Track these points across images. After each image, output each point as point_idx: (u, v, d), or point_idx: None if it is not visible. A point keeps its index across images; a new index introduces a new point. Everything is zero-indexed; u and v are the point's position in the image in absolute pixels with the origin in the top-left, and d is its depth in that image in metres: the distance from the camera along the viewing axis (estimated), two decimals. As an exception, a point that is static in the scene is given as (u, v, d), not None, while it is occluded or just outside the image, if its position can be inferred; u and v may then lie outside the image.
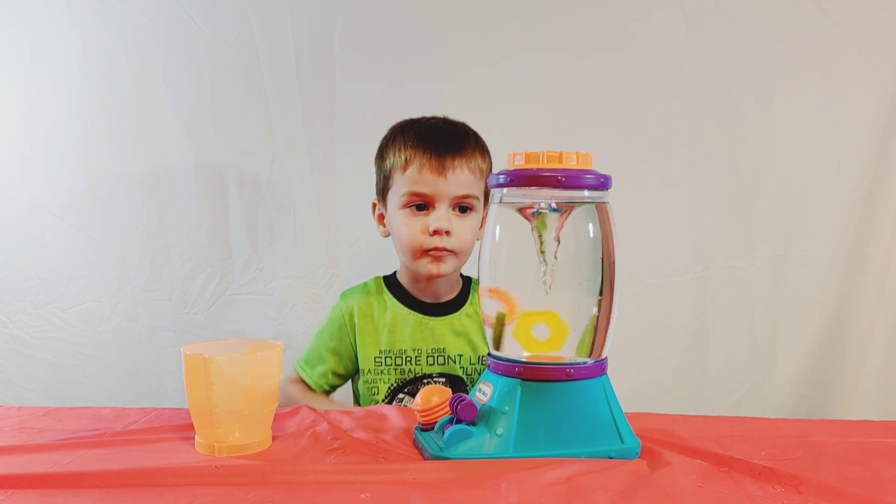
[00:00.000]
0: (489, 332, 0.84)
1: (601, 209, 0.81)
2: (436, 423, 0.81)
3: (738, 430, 0.90)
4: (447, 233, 1.14)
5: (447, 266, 1.16)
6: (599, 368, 0.81)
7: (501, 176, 0.81)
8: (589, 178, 0.79)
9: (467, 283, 1.27)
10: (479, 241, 1.10)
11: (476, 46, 1.51)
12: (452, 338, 1.21)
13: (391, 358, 1.20)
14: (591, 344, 0.82)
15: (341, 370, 1.23)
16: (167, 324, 1.54)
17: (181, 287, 1.53)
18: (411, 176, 1.15)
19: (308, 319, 1.53)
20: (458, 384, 1.20)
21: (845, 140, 1.50)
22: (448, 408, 0.81)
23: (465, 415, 0.78)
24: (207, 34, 1.50)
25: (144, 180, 1.53)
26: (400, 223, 1.17)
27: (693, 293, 1.54)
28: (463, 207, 1.17)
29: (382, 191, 1.22)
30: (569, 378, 0.78)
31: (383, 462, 0.77)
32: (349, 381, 1.28)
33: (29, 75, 1.51)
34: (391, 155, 1.19)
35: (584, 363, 0.80)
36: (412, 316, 1.22)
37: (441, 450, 0.77)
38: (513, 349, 0.83)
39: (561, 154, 0.79)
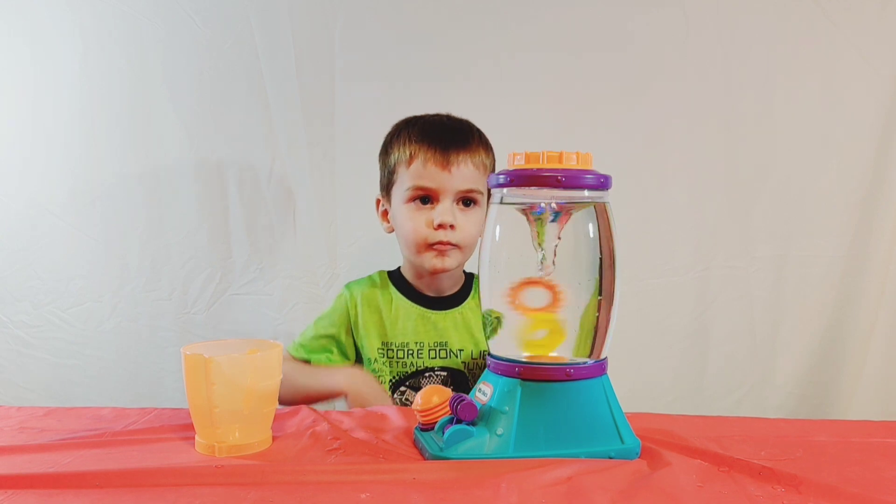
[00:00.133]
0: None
1: (601, 209, 0.81)
2: (436, 423, 0.81)
3: (738, 430, 0.90)
4: (451, 227, 1.15)
5: (451, 260, 1.17)
6: (599, 368, 0.81)
7: (501, 176, 0.81)
8: (589, 178, 0.79)
9: (470, 278, 1.27)
10: (480, 239, 1.10)
11: (476, 46, 1.51)
12: (454, 332, 1.21)
13: (393, 350, 1.21)
14: (591, 344, 0.82)
15: (336, 358, 1.23)
16: (167, 324, 1.54)
17: (181, 287, 1.53)
18: (416, 170, 1.16)
19: (308, 319, 1.52)
20: (459, 378, 1.20)
21: (845, 140, 1.50)
22: (448, 408, 0.81)
23: (465, 415, 0.78)
24: (207, 34, 1.50)
25: (144, 180, 1.53)
26: (404, 217, 1.18)
27: (693, 293, 1.54)
28: (467, 201, 1.17)
29: (387, 186, 1.22)
30: (569, 378, 0.78)
31: (383, 462, 0.77)
32: None
33: (29, 75, 1.51)
34: (395, 150, 1.19)
35: (584, 363, 0.80)
36: (415, 309, 1.22)
37: (441, 450, 0.77)
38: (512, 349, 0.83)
39: (561, 154, 0.79)
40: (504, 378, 0.80)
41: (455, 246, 1.16)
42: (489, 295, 0.85)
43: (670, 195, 1.53)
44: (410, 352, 1.20)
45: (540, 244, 0.82)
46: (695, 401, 1.54)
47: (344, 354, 1.24)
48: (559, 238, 0.82)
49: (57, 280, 1.53)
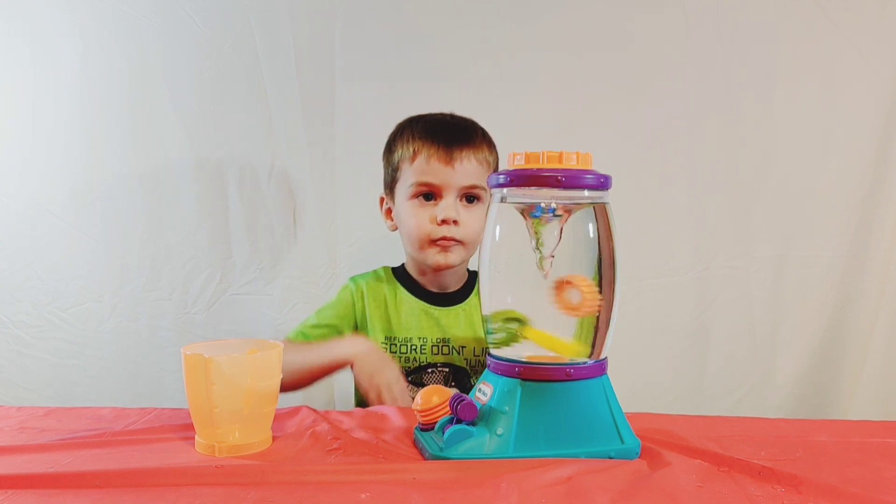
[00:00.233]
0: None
1: (601, 209, 0.81)
2: (436, 423, 0.81)
3: (738, 430, 0.90)
4: (455, 222, 1.15)
5: (455, 256, 1.17)
6: (599, 368, 0.81)
7: (501, 176, 0.81)
8: (589, 178, 0.79)
9: (473, 275, 1.27)
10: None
11: (476, 46, 1.51)
12: (457, 328, 1.21)
13: (396, 345, 1.21)
14: (591, 344, 0.82)
15: None
16: (167, 324, 1.54)
17: (181, 287, 1.53)
18: (419, 166, 1.16)
19: (308, 319, 1.53)
20: (461, 374, 1.20)
21: (845, 140, 1.50)
22: (448, 408, 0.81)
23: (465, 415, 0.78)
24: (207, 34, 1.50)
25: (144, 180, 1.53)
26: (408, 214, 1.18)
27: (693, 293, 1.54)
28: (470, 198, 1.17)
29: (390, 184, 1.23)
30: (569, 378, 0.78)
31: (383, 462, 0.77)
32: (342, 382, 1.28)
33: (29, 75, 1.51)
34: (399, 147, 1.20)
35: (584, 363, 0.80)
36: (418, 305, 1.23)
37: (441, 450, 0.76)
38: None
39: (561, 154, 0.79)
40: (504, 378, 0.80)
41: (458, 242, 1.16)
42: (489, 295, 0.85)
43: (670, 195, 1.53)
44: (413, 347, 1.21)
45: (538, 245, 0.82)
46: (695, 401, 1.54)
47: None
48: (559, 238, 0.81)
49: (57, 280, 1.53)
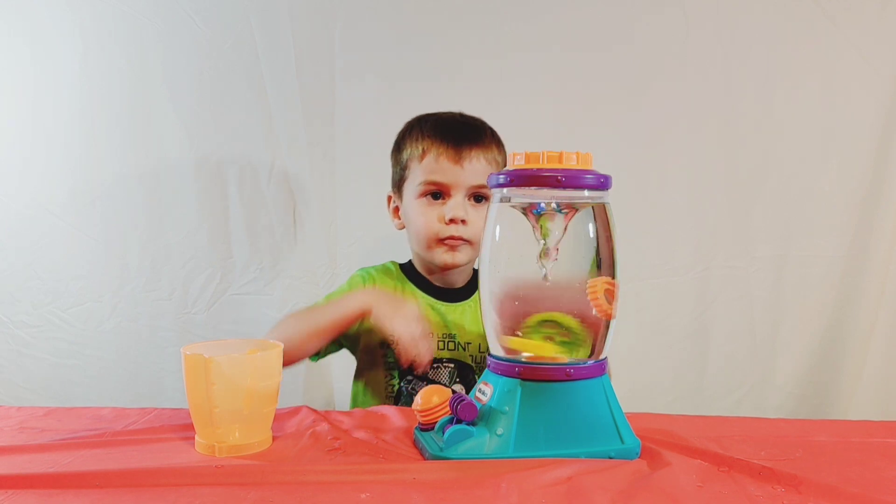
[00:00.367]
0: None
1: (601, 209, 0.81)
2: (436, 423, 0.81)
3: (738, 430, 0.90)
4: (463, 222, 1.14)
5: (462, 256, 1.17)
6: (599, 368, 0.81)
7: (501, 176, 0.81)
8: (589, 178, 0.79)
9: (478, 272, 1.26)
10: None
11: (476, 46, 1.51)
12: (463, 324, 1.21)
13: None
14: (591, 344, 0.82)
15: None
16: (167, 324, 1.54)
17: (181, 287, 1.53)
18: (428, 165, 1.16)
19: (308, 319, 1.53)
20: (466, 371, 1.20)
21: (845, 140, 1.50)
22: (448, 408, 0.81)
23: (465, 415, 0.78)
24: (207, 34, 1.50)
25: (144, 180, 1.53)
26: (416, 213, 1.17)
27: (693, 293, 1.54)
28: (478, 197, 1.17)
29: (398, 182, 1.22)
30: (569, 378, 0.78)
31: (383, 462, 0.77)
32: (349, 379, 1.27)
33: (29, 75, 1.51)
34: (408, 146, 1.19)
35: (584, 363, 0.80)
36: (425, 300, 1.22)
37: (441, 450, 0.77)
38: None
39: (561, 154, 0.79)
40: (504, 378, 0.80)
41: (466, 241, 1.16)
42: (489, 294, 0.85)
43: (670, 195, 1.53)
44: None
45: (544, 238, 0.81)
46: (695, 401, 1.54)
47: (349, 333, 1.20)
48: (563, 233, 0.81)
49: (57, 280, 1.53)
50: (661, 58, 1.51)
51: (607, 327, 0.82)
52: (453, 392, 0.83)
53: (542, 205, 0.81)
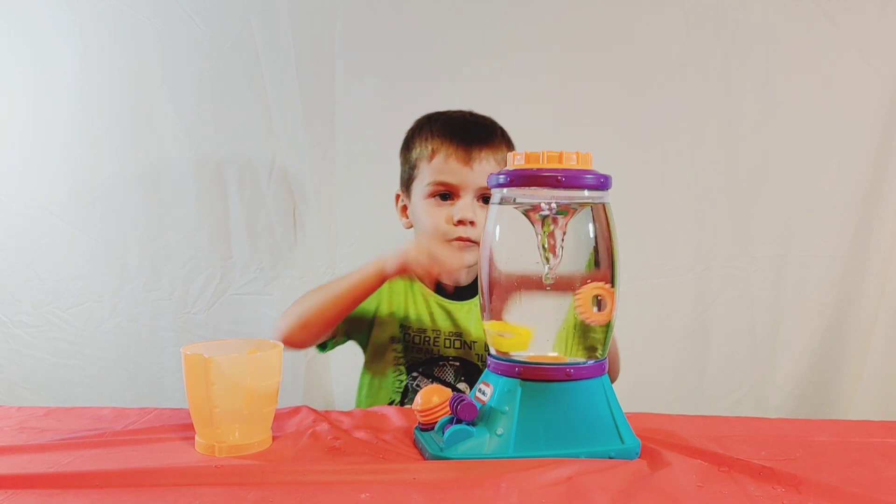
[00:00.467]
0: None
1: (601, 209, 0.81)
2: (436, 423, 0.81)
3: (738, 430, 0.90)
4: (471, 223, 1.14)
5: (470, 256, 1.16)
6: (599, 368, 0.81)
7: (501, 176, 0.81)
8: (589, 178, 0.79)
9: None
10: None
11: (476, 46, 1.51)
12: (470, 323, 1.20)
13: (410, 335, 1.20)
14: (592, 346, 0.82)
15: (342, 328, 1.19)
16: (167, 324, 1.54)
17: (181, 287, 1.53)
18: (437, 165, 1.15)
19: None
20: (472, 370, 1.19)
21: (845, 140, 1.50)
22: (448, 408, 0.81)
23: (465, 415, 0.78)
24: (207, 34, 1.50)
25: (144, 180, 1.53)
26: (424, 213, 1.17)
27: (693, 293, 1.54)
28: (487, 198, 1.16)
29: (407, 182, 1.21)
30: (569, 378, 0.78)
31: (383, 462, 0.77)
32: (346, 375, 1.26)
33: (29, 75, 1.51)
34: (418, 145, 1.18)
35: (584, 363, 0.80)
36: (433, 297, 1.21)
37: (441, 450, 0.77)
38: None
39: (561, 154, 0.79)
40: (504, 378, 0.80)
41: (474, 242, 1.15)
42: (489, 295, 0.85)
43: (670, 195, 1.53)
44: (427, 339, 1.19)
45: (544, 244, 0.81)
46: (695, 401, 1.54)
47: (356, 318, 1.19)
48: (562, 242, 0.81)
49: (57, 280, 1.53)
50: (661, 58, 1.51)
51: (608, 327, 0.82)
52: (455, 391, 0.83)
53: (547, 206, 0.80)
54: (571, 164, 0.79)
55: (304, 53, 1.50)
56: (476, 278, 1.23)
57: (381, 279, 1.08)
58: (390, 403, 1.18)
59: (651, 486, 0.70)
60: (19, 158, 1.52)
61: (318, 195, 1.53)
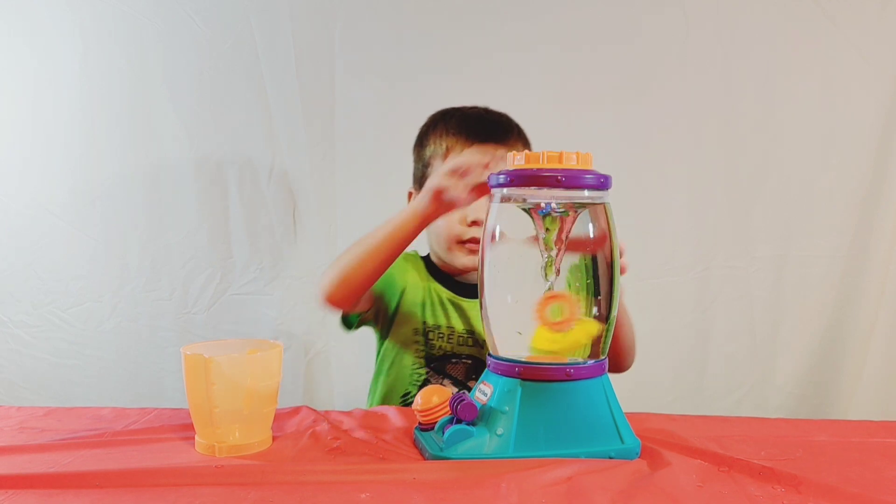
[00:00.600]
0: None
1: (601, 209, 0.81)
2: (436, 423, 0.81)
3: (738, 430, 0.90)
4: None
5: None
6: (599, 368, 0.81)
7: (501, 176, 0.81)
8: (589, 178, 0.79)
9: None
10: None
11: (476, 47, 1.51)
12: (482, 321, 1.19)
13: (423, 331, 1.18)
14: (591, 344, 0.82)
15: (371, 294, 1.15)
16: (167, 324, 1.54)
17: (181, 287, 1.53)
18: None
19: (308, 319, 1.53)
20: (483, 368, 1.18)
21: (845, 140, 1.50)
22: (448, 408, 0.81)
23: (465, 415, 0.78)
24: (207, 34, 1.50)
25: (144, 180, 1.53)
26: None
27: (693, 293, 1.54)
28: None
29: (420, 179, 1.18)
30: (569, 378, 0.78)
31: (383, 462, 0.77)
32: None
33: (29, 75, 1.51)
34: (432, 142, 1.16)
35: (584, 363, 0.80)
36: (447, 293, 1.19)
37: (441, 450, 0.77)
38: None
39: (561, 154, 0.79)
40: (504, 378, 0.80)
41: None
42: (489, 295, 0.85)
43: (670, 195, 1.53)
44: (441, 335, 1.18)
45: (546, 243, 0.81)
46: (695, 401, 1.54)
47: (380, 297, 1.16)
48: (564, 242, 0.81)
49: (57, 280, 1.53)
50: (662, 57, 1.51)
51: (608, 327, 0.82)
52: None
53: (550, 205, 0.80)
54: (571, 164, 0.79)
55: (304, 53, 1.50)
56: None
57: (419, 220, 1.00)
58: (405, 395, 1.17)
59: (651, 486, 0.70)
60: (19, 158, 1.52)
61: (318, 195, 1.53)
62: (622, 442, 0.79)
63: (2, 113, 1.52)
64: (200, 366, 0.78)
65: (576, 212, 0.81)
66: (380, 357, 1.23)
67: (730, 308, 1.54)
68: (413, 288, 1.18)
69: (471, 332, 1.18)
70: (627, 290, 0.94)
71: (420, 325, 1.18)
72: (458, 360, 1.18)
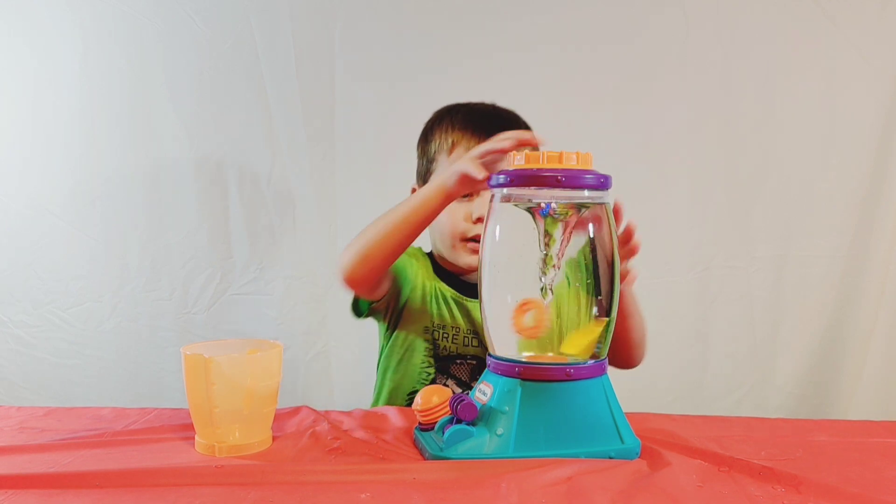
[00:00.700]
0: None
1: (601, 209, 0.81)
2: (436, 423, 0.81)
3: (738, 430, 0.90)
4: None
5: None
6: (599, 368, 0.81)
7: (501, 176, 0.81)
8: (589, 178, 0.79)
9: None
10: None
11: (476, 46, 1.51)
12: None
13: (429, 331, 1.16)
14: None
15: (389, 274, 1.13)
16: (167, 324, 1.54)
17: (181, 287, 1.53)
18: (457, 159, 1.07)
19: (308, 319, 1.53)
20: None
21: (845, 140, 1.50)
22: (448, 408, 0.81)
23: (465, 415, 0.78)
24: (207, 34, 1.50)
25: (144, 180, 1.53)
26: None
27: (693, 293, 1.54)
28: None
29: (424, 175, 1.17)
30: (569, 378, 0.78)
31: (383, 462, 0.77)
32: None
33: (29, 75, 1.51)
34: (437, 138, 1.15)
35: (584, 363, 0.80)
36: (450, 292, 1.18)
37: (441, 450, 0.77)
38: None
39: (561, 154, 0.79)
40: (504, 378, 0.80)
41: None
42: (489, 295, 0.85)
43: (670, 195, 1.53)
44: (446, 335, 1.16)
45: (547, 244, 0.81)
46: (695, 401, 1.54)
47: (393, 281, 1.14)
48: (566, 242, 0.81)
49: (57, 280, 1.53)
50: (662, 58, 1.51)
51: (608, 327, 0.82)
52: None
53: (550, 205, 0.80)
54: (571, 164, 0.79)
55: (304, 53, 1.50)
56: None
57: (444, 196, 0.96)
58: (411, 392, 1.16)
59: (651, 486, 0.70)
60: (19, 158, 1.52)
61: (318, 195, 1.53)
62: (622, 442, 0.79)
63: (2, 113, 1.52)
64: (200, 366, 0.78)
65: (578, 211, 0.81)
66: (386, 351, 1.21)
67: (730, 308, 1.54)
68: (422, 283, 1.17)
69: (475, 332, 1.17)
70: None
71: (430, 323, 1.17)
72: (463, 361, 1.17)
